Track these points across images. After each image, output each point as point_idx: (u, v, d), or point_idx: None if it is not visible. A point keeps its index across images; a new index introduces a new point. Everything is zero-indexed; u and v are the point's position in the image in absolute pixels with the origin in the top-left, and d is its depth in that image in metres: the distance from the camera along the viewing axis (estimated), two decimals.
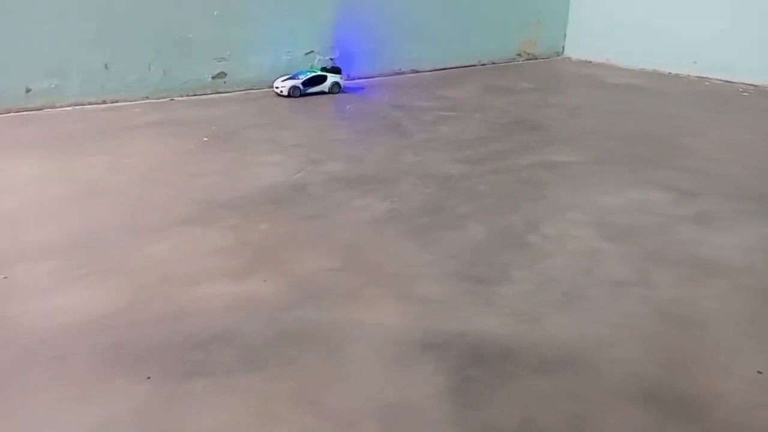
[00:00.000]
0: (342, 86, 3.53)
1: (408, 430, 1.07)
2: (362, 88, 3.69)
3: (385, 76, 4.06)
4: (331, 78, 3.49)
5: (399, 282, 1.55)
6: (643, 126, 3.02)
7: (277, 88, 3.43)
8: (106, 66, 3.18)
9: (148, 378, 1.18)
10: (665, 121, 3.13)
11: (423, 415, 1.10)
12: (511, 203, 2.05)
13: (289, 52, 3.70)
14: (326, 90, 3.47)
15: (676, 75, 4.19)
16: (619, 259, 1.68)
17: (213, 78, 3.49)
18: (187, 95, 3.41)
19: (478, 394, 1.16)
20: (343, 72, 3.59)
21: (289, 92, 3.38)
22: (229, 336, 1.32)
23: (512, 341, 1.32)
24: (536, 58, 4.74)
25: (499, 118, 3.13)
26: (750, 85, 3.87)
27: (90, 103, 3.16)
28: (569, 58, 4.83)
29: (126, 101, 3.24)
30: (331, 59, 3.74)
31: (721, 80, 4.00)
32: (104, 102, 3.20)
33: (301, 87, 3.40)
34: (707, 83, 4.01)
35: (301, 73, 3.46)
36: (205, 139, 2.69)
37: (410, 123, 3.00)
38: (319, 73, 3.47)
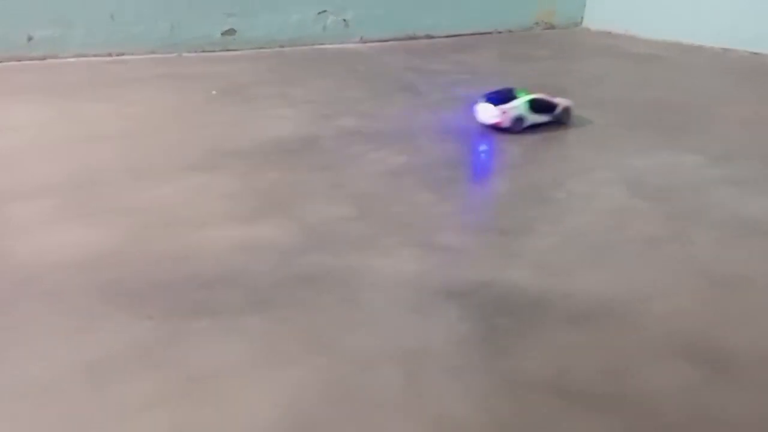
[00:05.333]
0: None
1: (431, 375, 0.97)
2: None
3: (399, 40, 3.92)
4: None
5: (418, 231, 1.45)
6: (668, 94, 2.88)
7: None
8: (112, 16, 3.06)
9: (150, 317, 1.09)
10: (690, 91, 2.99)
11: (446, 360, 1.01)
12: (536, 161, 1.94)
13: (300, 11, 3.57)
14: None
15: (699, 47, 4.03)
16: (652, 216, 1.57)
17: (222, 34, 3.36)
18: (195, 51, 3.29)
19: (506, 343, 1.06)
20: None
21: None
22: (235, 277, 1.22)
23: (540, 292, 1.22)
24: (554, 28, 4.58)
25: (518, 83, 2.99)
26: None
27: (94, 55, 3.05)
28: (588, 29, 4.66)
29: (131, 54, 3.12)
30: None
31: (747, 52, 3.85)
32: (109, 54, 3.09)
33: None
34: (732, 55, 3.85)
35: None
36: (214, 92, 2.58)
37: (425, 84, 2.87)
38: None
